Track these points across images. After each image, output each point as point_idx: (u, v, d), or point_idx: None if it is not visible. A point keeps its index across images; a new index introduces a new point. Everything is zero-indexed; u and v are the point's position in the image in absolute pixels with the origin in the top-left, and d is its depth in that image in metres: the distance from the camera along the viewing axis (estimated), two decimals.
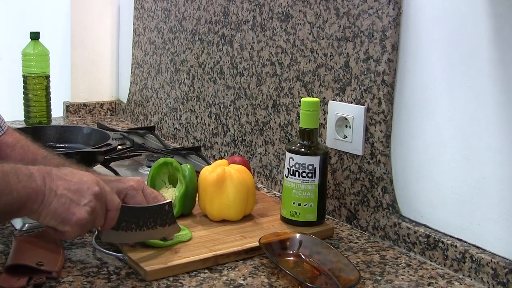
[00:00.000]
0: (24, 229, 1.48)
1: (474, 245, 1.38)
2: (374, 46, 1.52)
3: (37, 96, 2.49)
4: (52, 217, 1.14)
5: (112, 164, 1.94)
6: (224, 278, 1.31)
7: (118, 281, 1.27)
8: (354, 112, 1.58)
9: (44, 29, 2.59)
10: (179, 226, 1.41)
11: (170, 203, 1.38)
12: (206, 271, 1.34)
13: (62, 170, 1.19)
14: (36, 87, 2.49)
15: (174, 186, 1.57)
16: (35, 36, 2.48)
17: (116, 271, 1.32)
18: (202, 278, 1.31)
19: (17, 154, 1.47)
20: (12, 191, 1.08)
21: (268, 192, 1.86)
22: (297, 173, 1.52)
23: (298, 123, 1.71)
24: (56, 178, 1.15)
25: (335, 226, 1.61)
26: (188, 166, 1.57)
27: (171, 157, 1.83)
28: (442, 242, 1.41)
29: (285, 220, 1.57)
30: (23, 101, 2.51)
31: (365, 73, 1.55)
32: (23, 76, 2.49)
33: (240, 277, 1.32)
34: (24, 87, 2.49)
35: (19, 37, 2.63)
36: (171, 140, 2.42)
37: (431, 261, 1.44)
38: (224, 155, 2.10)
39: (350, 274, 1.30)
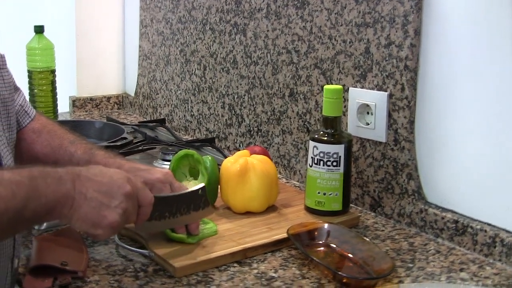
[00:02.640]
0: (42, 227, 1.43)
1: (504, 229, 1.36)
2: (396, 31, 1.49)
3: (42, 91, 2.45)
4: (83, 221, 1.10)
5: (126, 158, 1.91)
6: (255, 271, 1.29)
7: (146, 279, 1.25)
8: (376, 98, 1.56)
9: (48, 22, 2.54)
10: (213, 209, 1.39)
11: (203, 188, 1.35)
12: (235, 264, 1.32)
13: (91, 170, 1.14)
14: (41, 82, 2.44)
15: (195, 178, 1.55)
16: (39, 29, 2.43)
17: (143, 268, 1.30)
18: (232, 272, 1.28)
19: (44, 139, 1.42)
20: (40, 197, 1.04)
21: (288, 182, 1.84)
22: (321, 162, 1.49)
23: (317, 111, 1.69)
24: (85, 180, 1.11)
25: (359, 214, 1.58)
26: (210, 158, 1.55)
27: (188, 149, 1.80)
28: (471, 227, 1.39)
29: (309, 210, 1.54)
30: (28, 97, 2.46)
31: (386, 58, 1.52)
32: (28, 71, 2.44)
33: (270, 269, 1.30)
34: (29, 82, 2.45)
35: (22, 31, 2.58)
36: (183, 132, 2.39)
37: (460, 246, 1.42)
38: (239, 146, 2.07)
39: (382, 262, 1.28)
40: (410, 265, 1.33)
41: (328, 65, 1.69)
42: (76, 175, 1.11)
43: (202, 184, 1.37)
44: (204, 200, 1.36)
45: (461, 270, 1.32)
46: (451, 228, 1.43)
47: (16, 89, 1.43)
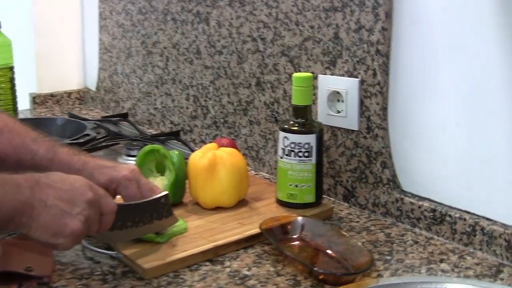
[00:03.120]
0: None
1: (484, 217, 1.32)
2: (366, 15, 1.44)
3: (1, 89, 2.36)
4: (43, 230, 1.04)
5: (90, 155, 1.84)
6: (228, 269, 1.23)
7: (115, 282, 1.18)
8: (347, 85, 1.51)
9: (5, 18, 2.46)
10: (176, 217, 1.33)
11: (167, 196, 1.30)
12: (207, 263, 1.26)
13: (51, 177, 1.08)
14: (0, 79, 2.36)
15: (162, 174, 1.49)
16: None
17: (111, 270, 1.23)
18: (204, 272, 1.23)
19: (5, 138, 1.35)
20: None
21: (257, 174, 1.79)
22: (292, 153, 1.44)
23: (286, 100, 1.64)
24: (45, 187, 1.05)
25: (333, 205, 1.53)
26: (176, 153, 1.49)
27: (152, 144, 1.74)
28: (450, 216, 1.35)
29: (281, 203, 1.49)
30: None
31: (357, 43, 1.47)
32: None
33: (244, 267, 1.24)
34: None
35: None
36: (147, 126, 2.33)
37: (438, 236, 1.38)
38: (205, 138, 2.01)
39: (360, 256, 1.23)
40: (388, 257, 1.29)
41: (296, 52, 1.63)
42: (35, 182, 1.05)
43: (165, 192, 1.30)
44: (167, 209, 1.30)
45: (441, 261, 1.27)
46: (429, 217, 1.39)
47: None
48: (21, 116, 2.47)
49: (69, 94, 2.77)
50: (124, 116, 2.36)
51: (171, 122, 2.18)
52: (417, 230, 1.41)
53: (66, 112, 2.59)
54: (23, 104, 2.63)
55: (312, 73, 1.56)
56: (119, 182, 1.27)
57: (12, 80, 2.38)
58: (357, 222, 1.47)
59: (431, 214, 1.38)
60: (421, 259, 1.28)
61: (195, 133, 2.06)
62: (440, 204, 1.39)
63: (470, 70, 1.30)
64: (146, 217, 1.26)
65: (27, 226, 1.03)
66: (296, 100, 1.45)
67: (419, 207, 1.41)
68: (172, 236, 1.32)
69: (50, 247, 1.10)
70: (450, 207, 1.38)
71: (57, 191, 1.06)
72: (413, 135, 1.43)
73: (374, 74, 1.45)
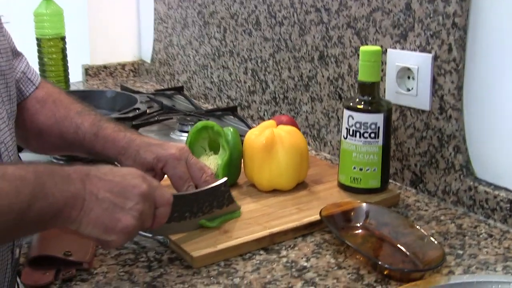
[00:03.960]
0: None
1: None
2: None
3: (52, 59, 2.30)
4: (95, 226, 0.95)
5: (140, 130, 1.74)
6: (284, 260, 1.13)
7: (160, 270, 1.10)
8: (419, 61, 1.39)
9: None
10: (238, 205, 1.25)
11: (226, 182, 1.21)
12: (261, 252, 1.16)
13: (101, 169, 1.00)
14: (51, 50, 2.29)
15: (216, 153, 1.39)
16: None
17: (157, 257, 1.14)
18: (258, 261, 1.13)
19: (48, 110, 1.29)
20: (47, 196, 0.89)
21: (317, 155, 1.68)
22: (358, 134, 1.33)
23: (351, 76, 1.53)
24: (95, 179, 0.96)
25: (399, 191, 1.42)
26: (231, 130, 1.38)
27: (207, 120, 1.64)
28: None
29: (344, 187, 1.38)
30: (38, 66, 2.32)
31: (431, 15, 1.35)
32: (37, 39, 2.29)
33: (301, 257, 1.14)
34: (39, 51, 2.30)
35: None
36: (202, 100, 2.24)
37: None
38: (264, 114, 1.91)
39: (429, 250, 1.12)
40: (460, 251, 1.17)
41: (363, 24, 1.51)
42: (85, 174, 0.96)
43: (225, 179, 1.22)
44: (228, 196, 1.22)
45: None
46: (505, 209, 1.27)
47: (17, 54, 1.29)
48: (72, 88, 2.41)
49: (123, 66, 2.69)
50: (179, 90, 2.27)
51: (228, 97, 2.08)
52: (491, 222, 1.29)
53: (119, 84, 2.52)
54: (76, 76, 2.57)
55: (381, 47, 1.44)
56: (166, 161, 1.19)
57: (63, 51, 2.32)
58: (426, 210, 1.35)
59: (508, 205, 1.26)
60: (496, 255, 1.16)
61: (253, 109, 1.96)
62: None
63: None
64: (206, 207, 1.18)
65: (77, 221, 0.94)
66: (363, 76, 1.34)
67: (495, 196, 1.29)
68: (225, 221, 1.22)
69: (101, 243, 1.01)
70: None
71: (108, 184, 0.97)
72: (490, 117, 1.31)
73: (450, 50, 1.32)
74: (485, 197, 1.30)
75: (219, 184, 1.20)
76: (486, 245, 1.20)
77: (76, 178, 0.94)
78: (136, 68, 2.71)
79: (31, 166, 0.91)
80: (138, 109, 1.66)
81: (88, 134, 1.25)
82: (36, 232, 1.02)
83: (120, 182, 0.98)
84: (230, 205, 1.23)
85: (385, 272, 1.07)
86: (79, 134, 1.26)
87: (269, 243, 1.18)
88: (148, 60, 2.64)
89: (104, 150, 1.25)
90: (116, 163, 1.25)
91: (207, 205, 1.18)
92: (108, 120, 1.29)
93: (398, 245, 1.16)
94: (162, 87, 2.45)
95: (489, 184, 1.32)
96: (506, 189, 1.29)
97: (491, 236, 1.24)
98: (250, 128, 1.78)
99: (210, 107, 2.14)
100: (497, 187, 1.30)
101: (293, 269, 1.10)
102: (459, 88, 1.33)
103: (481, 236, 1.24)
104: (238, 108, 2.01)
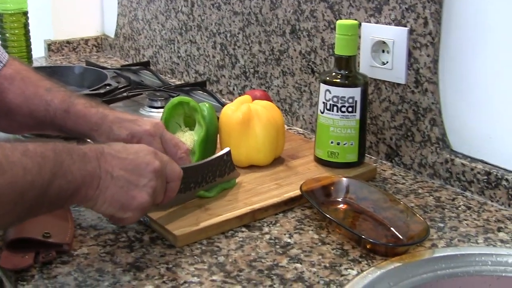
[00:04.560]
0: None
1: None
2: None
3: (15, 35, 2.26)
4: (110, 204, 0.95)
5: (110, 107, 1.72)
6: (267, 236, 1.12)
7: (142, 250, 1.08)
8: (394, 34, 1.38)
9: None
10: (238, 172, 1.27)
11: (229, 152, 1.24)
12: (243, 229, 1.15)
13: (114, 146, 1.00)
14: (13, 25, 2.25)
15: (191, 129, 1.36)
16: None
17: (137, 236, 1.12)
18: (241, 239, 1.12)
19: (16, 87, 1.26)
20: (66, 173, 0.89)
21: (290, 129, 1.67)
22: (335, 108, 1.32)
23: (323, 50, 1.52)
24: (110, 158, 0.96)
25: (375, 165, 1.42)
26: (207, 105, 1.36)
27: (177, 95, 1.62)
28: (506, 180, 1.24)
29: (321, 162, 1.38)
30: (0, 42, 2.27)
31: None
32: None
33: (284, 234, 1.13)
34: (0, 26, 2.25)
35: None
36: (169, 75, 2.21)
37: (492, 201, 1.27)
38: (233, 89, 1.89)
39: (412, 223, 1.12)
40: (441, 224, 1.18)
41: None
42: (99, 152, 0.96)
43: (228, 149, 1.24)
44: (230, 165, 1.23)
45: (499, 229, 1.16)
46: (482, 181, 1.27)
47: None
48: (35, 64, 2.37)
49: (86, 41, 2.64)
50: (145, 65, 2.24)
51: (196, 72, 2.06)
52: (468, 194, 1.30)
53: (83, 60, 2.48)
54: (38, 51, 2.52)
55: (355, 20, 1.43)
56: (140, 137, 1.18)
57: (26, 26, 2.28)
58: (403, 184, 1.35)
59: (485, 177, 1.27)
60: (476, 227, 1.17)
61: (222, 83, 1.94)
62: (495, 166, 1.27)
63: None
64: (209, 176, 1.19)
65: (93, 200, 0.94)
66: (340, 50, 1.33)
67: (472, 169, 1.29)
68: (222, 190, 1.23)
69: (115, 220, 1.01)
70: (506, 170, 1.26)
71: (122, 162, 0.97)
72: (466, 90, 1.31)
73: (425, 23, 1.32)
74: (462, 169, 1.31)
75: (222, 154, 1.22)
76: (465, 217, 1.20)
77: (92, 156, 0.94)
78: (100, 43, 2.66)
79: (50, 144, 0.91)
80: (109, 85, 1.63)
81: (59, 110, 1.23)
82: (53, 211, 1.00)
83: (134, 159, 0.98)
84: (231, 173, 1.24)
85: (369, 247, 1.07)
86: (49, 111, 1.23)
87: (251, 220, 1.17)
88: (112, 35, 2.59)
89: (76, 127, 1.22)
90: (88, 139, 1.23)
91: (211, 174, 1.19)
92: (79, 96, 1.27)
93: (380, 219, 1.16)
94: (127, 62, 2.41)
95: (465, 157, 1.32)
96: (482, 161, 1.29)
97: (469, 208, 1.24)
98: (220, 103, 1.77)
99: (177, 82, 2.11)
100: (473, 160, 1.31)
101: (277, 246, 1.09)
102: (435, 61, 1.33)
103: (459, 208, 1.24)
104: (207, 83, 1.99)
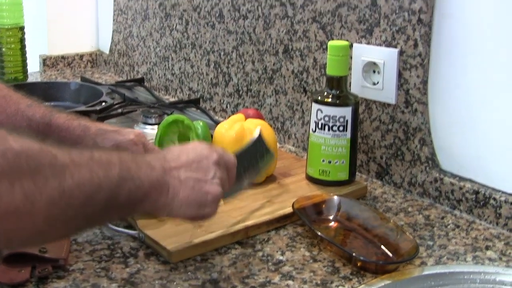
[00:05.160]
0: None
1: None
2: None
3: (11, 49, 2.29)
4: (188, 205, 0.98)
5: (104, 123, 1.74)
6: (260, 253, 1.15)
7: (137, 265, 1.10)
8: (384, 55, 1.41)
9: None
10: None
11: (260, 132, 1.25)
12: (236, 246, 1.17)
13: (173, 152, 1.02)
14: (10, 40, 2.28)
15: None
16: None
17: (132, 252, 1.15)
18: (234, 256, 1.14)
19: None
20: (134, 178, 0.90)
21: (282, 147, 1.69)
22: (326, 127, 1.35)
23: (316, 69, 1.55)
24: (173, 163, 0.99)
25: (366, 183, 1.44)
26: (201, 124, 1.39)
27: (171, 113, 1.64)
28: (494, 199, 1.26)
29: (312, 180, 1.40)
30: None
31: (396, 11, 1.37)
32: None
33: (276, 251, 1.16)
34: None
35: None
36: (163, 92, 2.23)
37: (480, 220, 1.29)
38: (226, 107, 1.91)
39: (402, 241, 1.14)
40: (430, 242, 1.20)
41: (329, 19, 1.53)
42: (162, 158, 0.99)
43: (259, 127, 1.26)
44: (264, 146, 1.25)
45: (487, 248, 1.18)
46: (471, 200, 1.30)
47: None
48: (30, 78, 2.39)
49: (81, 56, 2.66)
50: (139, 81, 2.25)
51: (190, 89, 2.08)
52: (457, 212, 1.33)
53: (77, 75, 2.50)
54: (33, 66, 2.54)
55: (347, 41, 1.46)
56: (125, 147, 1.21)
57: (22, 41, 2.31)
58: (393, 202, 1.38)
59: (473, 196, 1.29)
60: (465, 246, 1.19)
61: (215, 101, 1.97)
62: (483, 185, 1.30)
63: None
64: (252, 160, 1.19)
65: (169, 206, 0.96)
66: (331, 70, 1.35)
67: (460, 188, 1.32)
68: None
69: (196, 220, 1.04)
70: (494, 189, 1.28)
71: (184, 164, 1.00)
72: (454, 111, 1.33)
73: (415, 45, 1.35)
74: (451, 188, 1.33)
75: (259, 136, 1.23)
76: (454, 236, 1.23)
77: (156, 164, 0.96)
78: (94, 59, 2.69)
79: (114, 152, 0.92)
80: (105, 101, 1.65)
81: (41, 124, 1.24)
82: (128, 216, 1.01)
83: (194, 158, 1.00)
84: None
85: (359, 264, 1.10)
86: (32, 126, 1.24)
87: (244, 237, 1.19)
88: (107, 51, 2.62)
89: (59, 140, 1.24)
90: None
91: (253, 159, 1.20)
92: (59, 111, 1.28)
93: (371, 237, 1.19)
94: (121, 79, 2.44)
95: (454, 176, 1.35)
96: (471, 180, 1.32)
97: (458, 226, 1.27)
98: (213, 120, 1.79)
99: (171, 99, 2.14)
100: (462, 179, 1.33)
101: (270, 263, 1.11)
102: (424, 82, 1.36)
103: (448, 227, 1.27)
104: (201, 100, 2.01)
